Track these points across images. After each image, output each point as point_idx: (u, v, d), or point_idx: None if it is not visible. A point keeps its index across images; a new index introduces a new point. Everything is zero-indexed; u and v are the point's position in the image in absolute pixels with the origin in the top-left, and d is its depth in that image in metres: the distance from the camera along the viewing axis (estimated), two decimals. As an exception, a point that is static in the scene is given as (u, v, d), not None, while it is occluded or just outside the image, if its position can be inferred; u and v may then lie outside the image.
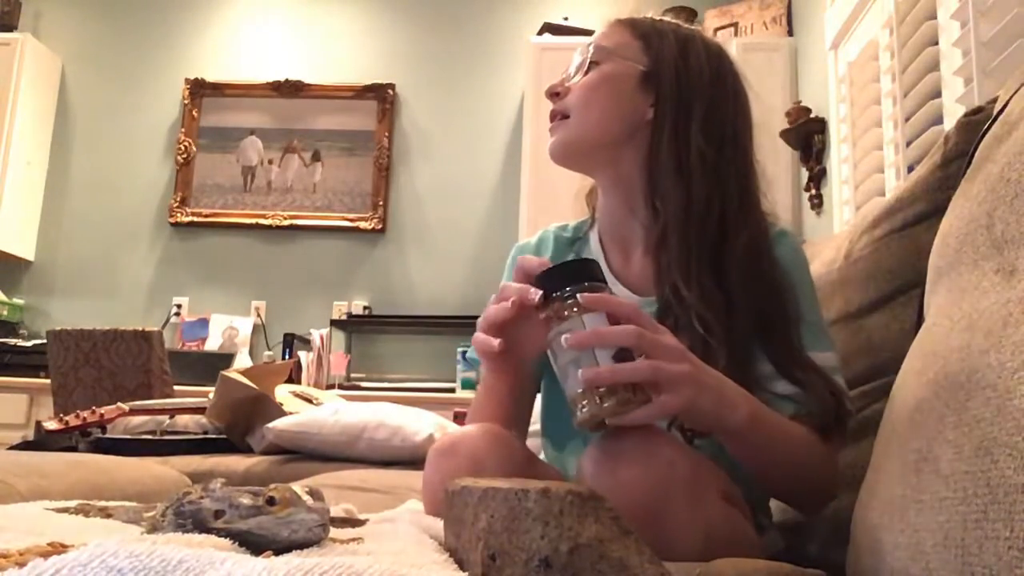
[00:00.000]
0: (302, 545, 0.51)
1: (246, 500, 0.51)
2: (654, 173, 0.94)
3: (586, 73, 0.98)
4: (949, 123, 1.78)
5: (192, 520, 0.52)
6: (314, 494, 0.52)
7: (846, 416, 0.86)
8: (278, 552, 0.48)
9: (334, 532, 0.57)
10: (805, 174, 3.15)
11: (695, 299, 0.86)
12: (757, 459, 0.80)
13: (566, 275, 0.72)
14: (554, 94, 0.99)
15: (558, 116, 0.98)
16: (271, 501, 0.50)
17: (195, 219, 4.00)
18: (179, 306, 3.94)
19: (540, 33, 3.70)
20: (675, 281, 0.88)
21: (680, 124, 0.93)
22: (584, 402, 0.67)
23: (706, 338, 0.83)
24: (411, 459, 1.99)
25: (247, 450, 2.23)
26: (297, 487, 0.53)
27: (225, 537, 0.49)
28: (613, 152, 0.97)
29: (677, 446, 0.70)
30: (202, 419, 2.31)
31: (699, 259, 0.88)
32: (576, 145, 0.98)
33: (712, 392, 0.71)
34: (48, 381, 2.83)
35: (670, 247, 0.90)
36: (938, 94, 1.99)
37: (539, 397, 1.04)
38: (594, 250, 1.02)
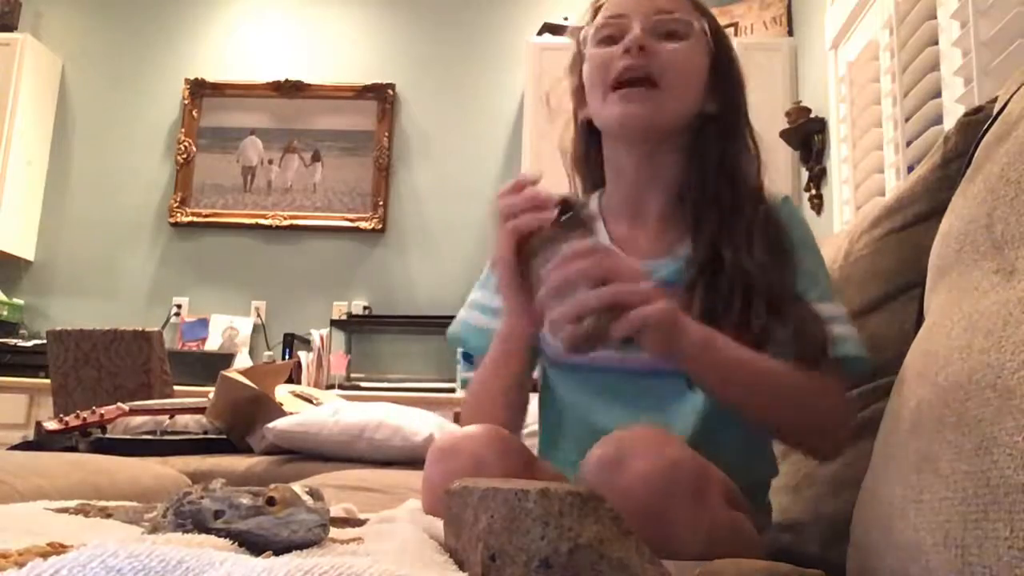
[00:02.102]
0: (302, 545, 0.51)
1: (246, 500, 0.51)
2: (705, 162, 0.93)
3: (672, 39, 0.91)
4: (949, 123, 1.78)
5: (192, 520, 0.52)
6: (314, 494, 0.52)
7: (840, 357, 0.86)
8: (278, 552, 0.48)
9: (334, 532, 0.57)
10: (805, 174, 3.15)
11: (735, 262, 0.87)
12: (727, 390, 0.81)
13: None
14: (640, 48, 0.89)
15: (639, 78, 0.89)
16: (271, 501, 0.50)
17: (195, 219, 4.00)
18: (179, 306, 3.94)
19: (540, 33, 3.70)
20: (713, 244, 0.89)
21: (732, 121, 0.95)
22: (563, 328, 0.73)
23: (744, 294, 0.84)
24: (411, 459, 1.99)
25: (247, 450, 2.23)
26: (297, 487, 0.52)
27: (225, 537, 0.49)
28: (675, 134, 0.94)
29: (682, 448, 0.70)
30: (202, 419, 2.31)
31: (732, 226, 0.89)
32: (664, 124, 0.92)
33: (668, 315, 0.75)
34: (48, 381, 2.83)
35: (708, 219, 0.91)
36: (938, 94, 1.99)
37: (534, 398, 1.04)
38: (600, 232, 0.98)
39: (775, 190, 0.99)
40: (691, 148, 0.94)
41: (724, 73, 0.95)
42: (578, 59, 1.00)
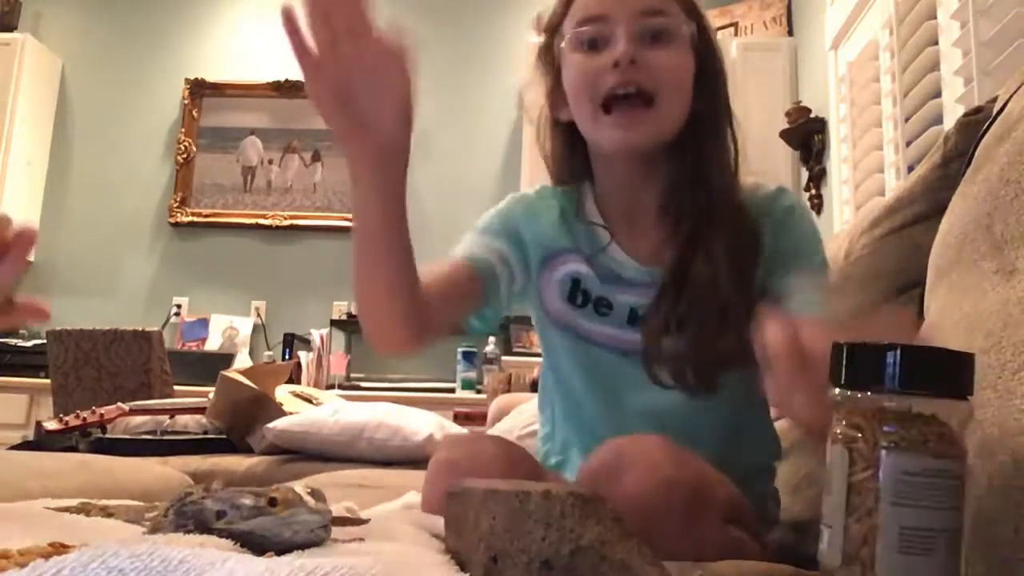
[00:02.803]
0: (303, 546, 0.51)
1: (248, 501, 0.51)
2: (686, 167, 0.90)
3: (660, 44, 0.86)
4: (949, 123, 1.78)
5: (194, 520, 0.52)
6: (315, 494, 0.52)
7: None
8: (279, 553, 0.48)
9: (336, 532, 0.57)
10: (805, 174, 3.15)
11: (716, 273, 0.85)
12: None
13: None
14: (632, 61, 0.83)
15: (635, 95, 0.84)
16: (272, 502, 0.50)
17: (195, 219, 4.00)
18: (179, 306, 3.94)
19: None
20: (695, 254, 0.87)
21: (720, 121, 0.92)
22: None
23: (724, 304, 0.83)
24: (411, 459, 1.99)
25: (247, 450, 2.23)
26: (299, 487, 0.53)
27: (227, 538, 0.49)
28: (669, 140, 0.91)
29: (680, 464, 0.68)
30: (202, 419, 2.31)
31: (719, 233, 0.87)
32: (664, 138, 0.88)
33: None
34: (48, 381, 2.83)
35: (683, 228, 0.88)
36: (938, 94, 1.99)
37: (536, 399, 1.04)
38: (596, 228, 0.94)
39: (768, 181, 0.96)
40: (680, 147, 0.90)
41: (709, 71, 0.91)
42: (548, 57, 0.94)
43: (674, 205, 0.90)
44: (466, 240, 0.94)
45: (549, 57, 0.94)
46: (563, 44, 0.90)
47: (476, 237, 0.94)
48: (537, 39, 0.98)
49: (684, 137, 0.89)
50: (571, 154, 0.96)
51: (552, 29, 0.94)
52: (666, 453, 0.69)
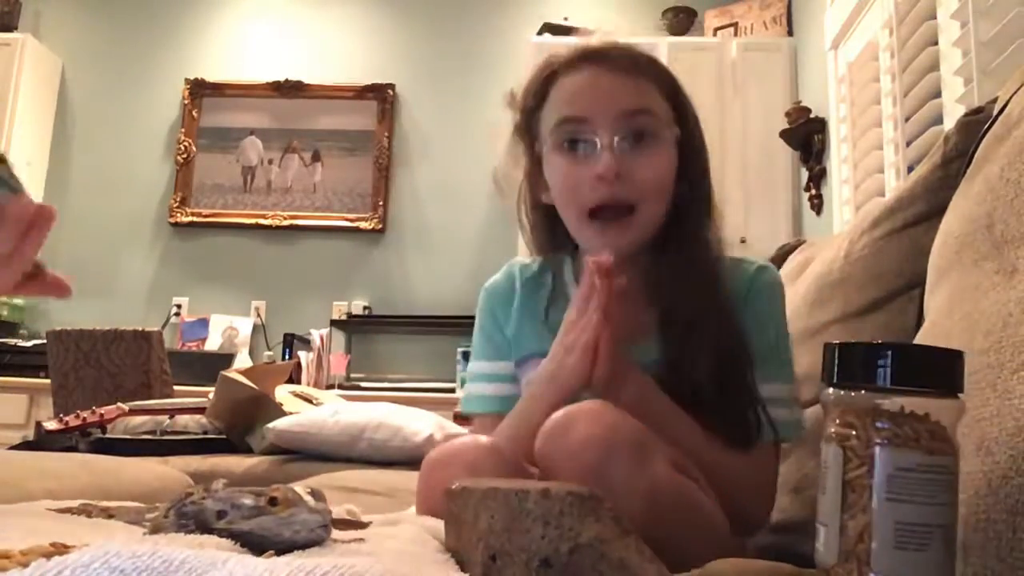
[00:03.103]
0: (304, 546, 0.51)
1: (248, 500, 0.51)
2: (671, 250, 0.91)
3: (641, 145, 0.88)
4: (949, 123, 1.78)
5: (195, 520, 0.52)
6: (315, 495, 0.53)
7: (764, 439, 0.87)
8: (280, 553, 0.48)
9: (336, 533, 0.57)
10: (805, 174, 3.15)
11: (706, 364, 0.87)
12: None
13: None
14: (617, 175, 0.86)
15: (616, 206, 0.87)
16: (273, 501, 0.50)
17: (195, 219, 4.00)
18: (179, 306, 3.94)
19: (540, 33, 3.70)
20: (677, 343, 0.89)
21: (701, 207, 0.93)
22: None
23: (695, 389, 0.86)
24: (411, 459, 1.99)
25: (247, 450, 2.23)
26: (299, 487, 0.53)
27: (227, 538, 0.49)
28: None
29: (623, 416, 0.72)
30: (202, 419, 2.31)
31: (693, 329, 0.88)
32: (643, 243, 0.90)
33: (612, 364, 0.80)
34: (48, 381, 2.83)
35: (673, 320, 0.89)
36: (938, 94, 1.99)
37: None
38: (572, 291, 0.94)
39: (755, 257, 0.98)
40: (662, 236, 0.92)
41: (690, 165, 0.92)
42: (526, 138, 0.96)
43: (659, 293, 0.90)
44: (483, 387, 1.00)
45: (527, 139, 0.96)
46: (545, 143, 0.92)
47: (490, 386, 0.99)
48: (511, 115, 0.98)
49: (666, 225, 0.91)
50: (553, 230, 0.97)
51: (529, 111, 0.95)
52: (608, 408, 0.73)
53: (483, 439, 0.80)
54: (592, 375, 0.80)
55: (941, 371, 0.46)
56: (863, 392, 0.47)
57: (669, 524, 0.66)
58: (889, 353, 0.46)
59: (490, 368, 1.00)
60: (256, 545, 0.49)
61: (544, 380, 0.85)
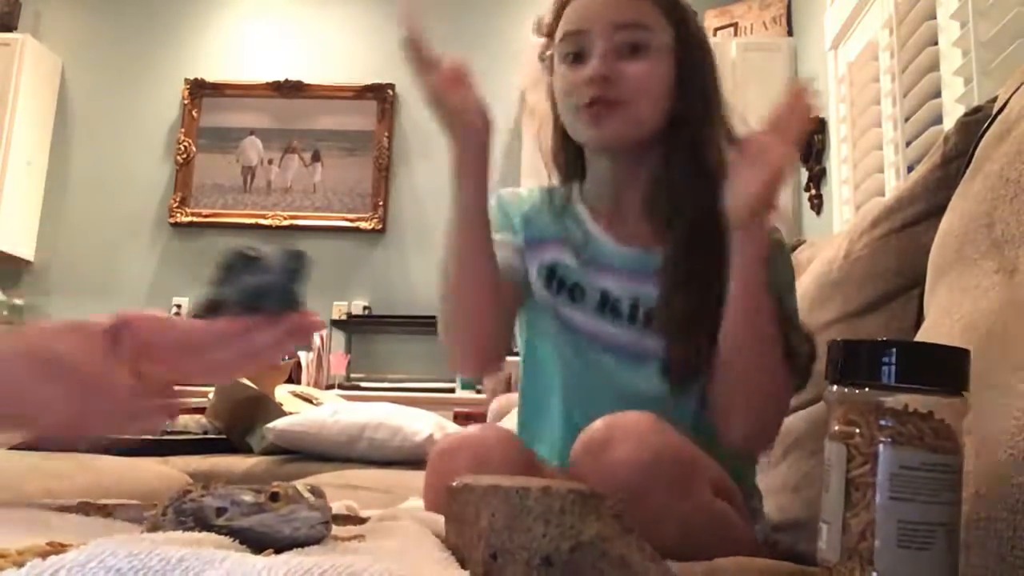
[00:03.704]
0: (304, 543, 0.51)
1: (248, 497, 0.51)
2: (672, 167, 0.95)
3: (636, 55, 0.93)
4: (949, 123, 1.78)
5: (194, 518, 0.52)
6: (315, 492, 0.52)
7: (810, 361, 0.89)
8: (279, 550, 0.48)
9: (336, 530, 0.57)
10: (805, 174, 3.15)
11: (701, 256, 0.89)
12: (747, 300, 0.83)
13: None
14: (604, 78, 0.92)
15: (603, 102, 0.92)
16: (274, 497, 0.50)
17: (195, 219, 4.00)
18: (179, 306, 3.94)
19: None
20: (684, 247, 0.92)
21: (705, 122, 0.95)
22: None
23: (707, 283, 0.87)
24: (411, 459, 1.99)
25: (247, 450, 2.23)
26: (299, 485, 0.53)
27: (227, 534, 0.49)
28: (648, 139, 0.96)
29: (668, 436, 0.71)
30: (202, 419, 2.31)
31: (700, 232, 0.91)
32: (633, 137, 0.94)
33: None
34: (48, 381, 2.82)
35: (677, 224, 0.93)
36: (938, 94, 1.99)
37: (518, 395, 1.05)
38: (583, 217, 1.01)
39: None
40: (664, 148, 0.96)
41: (691, 75, 0.96)
42: (549, 60, 1.03)
43: (657, 202, 0.95)
44: None
45: (548, 59, 1.03)
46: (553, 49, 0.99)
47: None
48: (538, 41, 1.07)
49: (667, 137, 0.95)
50: (566, 150, 1.03)
51: (549, 34, 1.03)
52: (655, 426, 0.72)
53: (492, 428, 0.80)
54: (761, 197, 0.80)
55: (946, 369, 0.46)
56: (867, 390, 0.46)
57: (699, 547, 0.65)
58: (894, 351, 0.46)
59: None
60: (256, 542, 0.49)
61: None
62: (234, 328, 0.73)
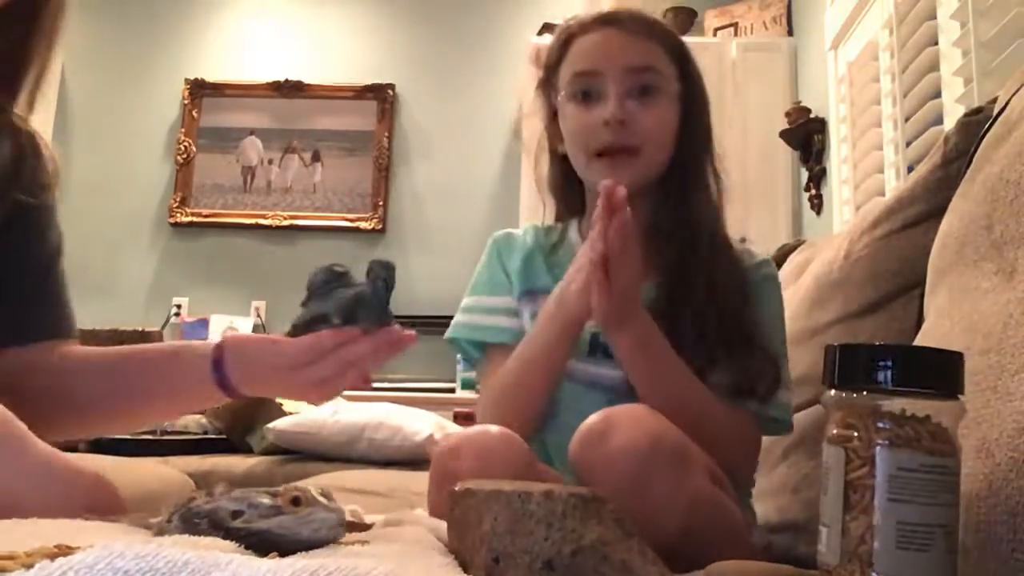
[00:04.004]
0: (317, 545, 0.51)
1: (266, 500, 0.51)
2: (666, 206, 0.98)
3: (645, 97, 0.95)
4: (949, 123, 1.78)
5: (208, 520, 0.52)
6: (326, 494, 0.53)
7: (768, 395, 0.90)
8: (285, 554, 0.48)
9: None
10: (805, 174, 3.15)
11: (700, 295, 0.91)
12: (655, 382, 0.85)
13: None
14: (621, 122, 0.94)
15: (621, 148, 0.94)
16: (296, 501, 0.51)
17: (195, 219, 4.00)
18: (179, 306, 3.94)
19: (540, 33, 3.69)
20: (673, 280, 0.94)
21: (700, 164, 0.99)
22: None
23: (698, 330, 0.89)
24: (411, 459, 2.00)
25: (247, 450, 2.23)
26: (311, 488, 0.53)
27: (244, 536, 0.49)
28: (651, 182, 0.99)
29: (665, 423, 0.72)
30: (202, 419, 2.31)
31: (688, 265, 0.94)
32: (644, 182, 0.96)
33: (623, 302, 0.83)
34: (48, 381, 2.83)
35: (668, 257, 0.95)
36: (938, 94, 1.99)
37: None
38: (576, 249, 1.01)
39: (758, 251, 1.03)
40: (663, 186, 0.99)
41: (692, 120, 0.99)
42: (546, 92, 1.05)
43: (658, 234, 0.96)
44: (479, 318, 1.03)
45: (547, 92, 1.06)
46: (561, 92, 1.01)
47: (490, 318, 1.02)
48: (535, 71, 1.09)
49: (667, 178, 0.98)
50: (566, 183, 1.05)
51: (550, 68, 1.05)
52: (651, 414, 0.73)
53: (494, 428, 0.80)
54: (594, 308, 0.82)
55: (942, 373, 0.47)
56: (864, 394, 0.47)
57: (702, 535, 0.66)
58: (890, 355, 0.46)
59: (490, 302, 1.03)
60: (271, 544, 0.50)
61: (553, 301, 0.90)
62: (335, 339, 0.78)
